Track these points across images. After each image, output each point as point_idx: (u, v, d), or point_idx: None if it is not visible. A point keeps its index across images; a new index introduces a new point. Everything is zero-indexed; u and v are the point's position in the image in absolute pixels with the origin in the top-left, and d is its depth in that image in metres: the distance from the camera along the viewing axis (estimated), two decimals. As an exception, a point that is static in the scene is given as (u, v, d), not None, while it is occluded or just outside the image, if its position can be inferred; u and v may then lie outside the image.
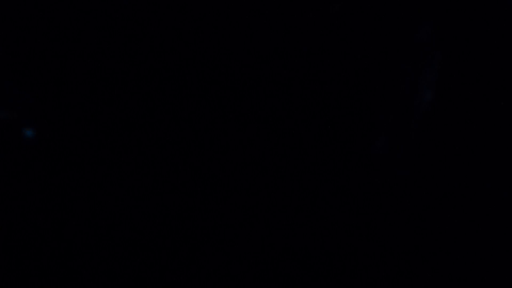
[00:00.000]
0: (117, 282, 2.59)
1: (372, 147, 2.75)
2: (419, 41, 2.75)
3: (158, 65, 2.75)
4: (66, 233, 2.68)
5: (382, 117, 2.75)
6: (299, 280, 2.64)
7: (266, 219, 2.76)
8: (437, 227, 2.73)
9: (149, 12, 2.73)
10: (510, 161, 2.72)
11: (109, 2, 2.70)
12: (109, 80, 2.72)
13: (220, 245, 2.69)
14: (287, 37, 2.76)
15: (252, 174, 2.77)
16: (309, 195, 2.77)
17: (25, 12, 2.69)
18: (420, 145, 2.75)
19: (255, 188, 2.76)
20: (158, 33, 2.74)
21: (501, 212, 2.71)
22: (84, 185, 2.71)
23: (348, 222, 2.75)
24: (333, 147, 2.78)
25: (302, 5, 2.74)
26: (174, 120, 2.77)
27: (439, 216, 2.74)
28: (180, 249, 2.68)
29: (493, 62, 2.72)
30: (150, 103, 2.75)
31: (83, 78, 2.71)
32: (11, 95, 2.70)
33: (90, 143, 2.71)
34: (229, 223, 2.74)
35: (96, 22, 2.71)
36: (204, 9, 2.75)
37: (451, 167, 2.76)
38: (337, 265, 2.66)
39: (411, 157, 2.76)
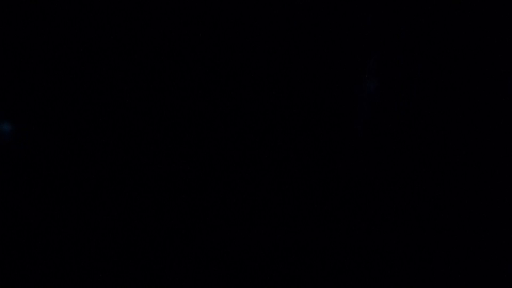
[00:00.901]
0: (114, 282, 2.55)
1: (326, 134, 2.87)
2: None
3: (147, 65, 2.76)
4: (46, 230, 2.62)
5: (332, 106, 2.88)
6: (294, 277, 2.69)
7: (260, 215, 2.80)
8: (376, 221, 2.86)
9: (143, 11, 2.74)
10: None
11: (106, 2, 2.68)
12: (90, 72, 2.70)
13: (217, 244, 2.71)
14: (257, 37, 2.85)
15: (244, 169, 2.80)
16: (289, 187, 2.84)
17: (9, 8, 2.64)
18: (369, 136, 2.89)
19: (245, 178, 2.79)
20: (149, 34, 2.75)
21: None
22: (66, 182, 2.65)
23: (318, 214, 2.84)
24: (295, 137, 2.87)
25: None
26: (162, 119, 2.78)
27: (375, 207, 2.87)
28: (179, 248, 2.68)
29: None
30: (138, 100, 2.75)
31: (65, 69, 2.67)
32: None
33: (71, 137, 2.66)
34: (224, 221, 2.75)
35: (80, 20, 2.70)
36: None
37: (398, 156, 2.91)
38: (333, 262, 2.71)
39: (360, 147, 2.89)
